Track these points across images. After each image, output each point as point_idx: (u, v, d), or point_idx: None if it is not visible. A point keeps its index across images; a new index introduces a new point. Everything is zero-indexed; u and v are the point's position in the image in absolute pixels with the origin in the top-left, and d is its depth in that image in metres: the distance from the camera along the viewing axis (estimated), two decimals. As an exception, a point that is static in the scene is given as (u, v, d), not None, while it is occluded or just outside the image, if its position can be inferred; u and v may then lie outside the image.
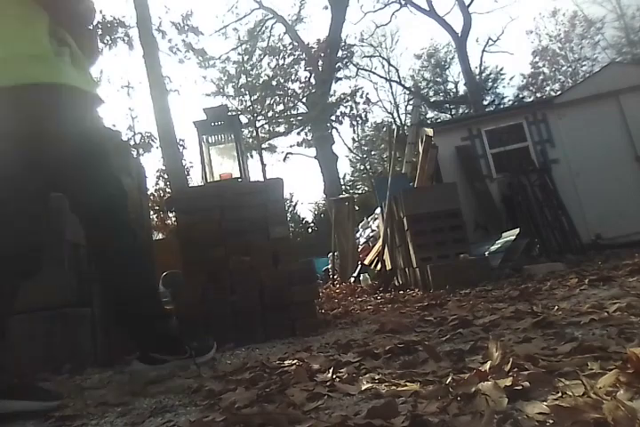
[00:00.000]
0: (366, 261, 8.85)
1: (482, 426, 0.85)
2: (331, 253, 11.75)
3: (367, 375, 1.36)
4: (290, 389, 1.32)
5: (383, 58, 27.23)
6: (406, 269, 5.67)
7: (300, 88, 20.11)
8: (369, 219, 14.29)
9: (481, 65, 26.89)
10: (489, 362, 1.17)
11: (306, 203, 47.10)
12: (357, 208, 15.81)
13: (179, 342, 1.87)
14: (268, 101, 20.36)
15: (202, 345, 1.95)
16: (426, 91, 30.00)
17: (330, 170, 16.92)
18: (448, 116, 26.55)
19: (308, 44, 19.87)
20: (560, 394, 0.94)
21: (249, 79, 20.53)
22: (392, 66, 27.79)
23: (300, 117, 20.04)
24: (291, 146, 20.69)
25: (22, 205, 1.65)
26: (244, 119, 18.94)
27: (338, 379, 1.37)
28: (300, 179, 55.31)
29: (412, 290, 5.02)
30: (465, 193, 6.96)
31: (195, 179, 17.00)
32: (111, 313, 2.13)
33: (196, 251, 2.91)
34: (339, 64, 19.79)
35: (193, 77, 45.74)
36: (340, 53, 19.54)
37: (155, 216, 15.60)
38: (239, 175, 3.85)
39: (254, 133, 20.55)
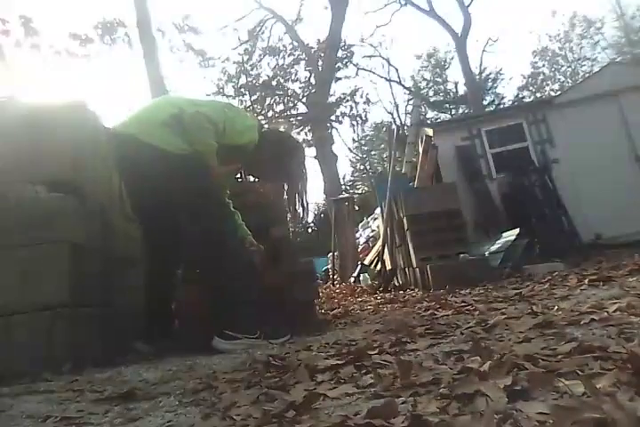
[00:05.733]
0: (366, 261, 8.86)
1: (482, 426, 0.85)
2: (331, 253, 11.76)
3: (367, 375, 1.36)
4: (290, 388, 1.32)
5: (383, 58, 27.19)
6: (406, 269, 5.67)
7: (299, 88, 20.09)
8: (369, 219, 14.30)
9: (481, 65, 26.91)
10: (489, 362, 1.17)
11: (306, 203, 47.01)
12: (357, 208, 15.80)
13: (252, 325, 2.32)
14: (267, 101, 20.32)
15: (275, 331, 2.38)
16: (426, 91, 30.01)
17: (330, 170, 16.87)
18: (448, 116, 26.56)
19: (308, 44, 19.86)
20: (560, 394, 0.94)
21: (249, 79, 20.50)
22: (392, 66, 27.77)
23: (300, 117, 20.01)
24: (291, 146, 20.63)
25: None
26: (244, 119, 18.88)
27: (338, 379, 1.37)
28: (299, 179, 55.11)
29: (411, 290, 5.02)
30: (465, 193, 6.97)
31: (194, 179, 16.93)
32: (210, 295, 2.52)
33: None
34: (339, 64, 19.76)
35: (193, 77, 45.79)
36: (340, 53, 19.51)
37: (155, 216, 15.53)
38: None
39: (254, 133, 20.51)
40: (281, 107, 20.51)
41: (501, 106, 24.86)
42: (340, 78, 20.37)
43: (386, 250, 6.63)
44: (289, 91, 20.20)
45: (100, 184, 2.78)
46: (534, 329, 1.65)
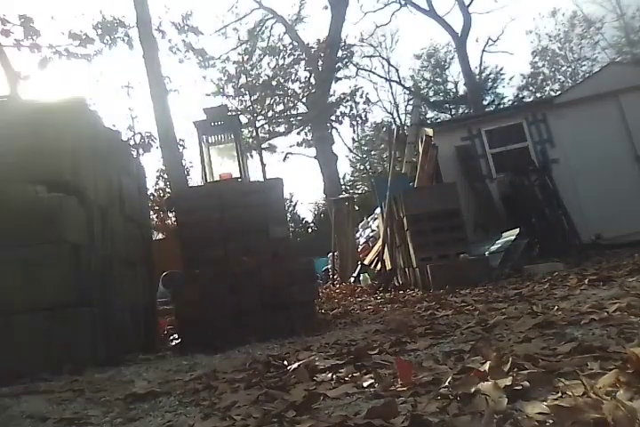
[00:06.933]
0: (366, 261, 8.86)
1: (482, 426, 0.85)
2: (331, 253, 11.75)
3: (367, 375, 1.36)
4: (290, 388, 1.32)
5: (383, 58, 27.15)
6: (406, 269, 5.67)
7: (299, 88, 20.07)
8: (369, 219, 14.30)
9: (481, 65, 26.83)
10: (488, 362, 1.17)
11: (306, 203, 47.04)
12: (357, 208, 15.79)
13: None
14: (268, 101, 20.31)
15: None
16: (426, 91, 29.97)
17: (330, 170, 16.88)
18: (448, 116, 26.52)
19: (308, 44, 19.84)
20: (560, 394, 0.94)
21: (249, 79, 20.48)
22: (392, 66, 27.70)
23: (300, 117, 20.00)
24: (291, 146, 20.66)
25: None
26: (243, 119, 18.90)
27: (338, 379, 1.37)
28: (300, 179, 55.29)
29: (411, 290, 5.02)
30: (465, 193, 6.96)
31: (195, 179, 16.99)
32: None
33: (195, 251, 2.91)
34: (339, 64, 19.74)
35: (193, 77, 45.79)
36: (340, 53, 19.49)
37: (155, 216, 15.59)
38: (239, 175, 3.85)
39: (254, 133, 20.51)
40: (281, 107, 20.52)
41: (501, 106, 24.81)
42: (339, 78, 20.36)
43: (386, 250, 6.63)
44: (289, 91, 20.19)
45: (100, 184, 2.78)
46: (534, 329, 1.65)
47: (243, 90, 20.31)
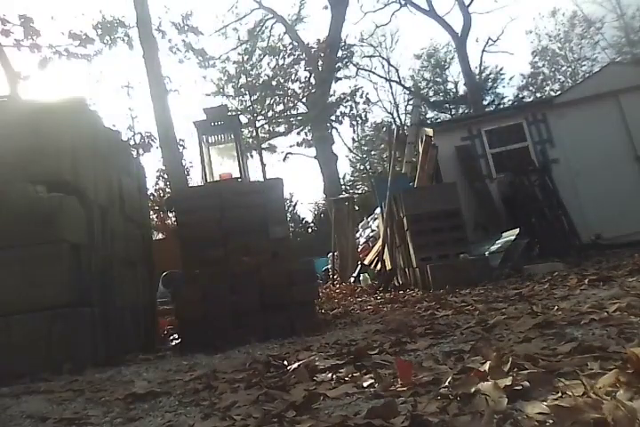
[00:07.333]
0: (366, 261, 8.86)
1: (482, 426, 0.85)
2: (331, 253, 11.76)
3: (367, 375, 1.36)
4: (290, 388, 1.32)
5: (383, 58, 27.17)
6: (406, 269, 5.67)
7: (299, 88, 20.06)
8: (369, 219, 14.30)
9: (481, 65, 26.83)
10: (488, 362, 1.17)
11: (306, 203, 47.03)
12: (357, 208, 15.80)
13: None
14: (268, 101, 20.32)
15: None
16: (426, 91, 29.98)
17: (330, 170, 16.88)
18: (448, 116, 26.52)
19: (308, 44, 19.82)
20: (560, 394, 0.94)
21: (249, 79, 20.47)
22: (392, 66, 27.72)
23: (300, 117, 19.99)
24: (291, 146, 20.65)
25: None
26: (243, 119, 18.89)
27: (338, 379, 1.37)
28: (300, 179, 55.28)
29: (411, 290, 5.02)
30: (465, 193, 6.95)
31: (195, 179, 16.99)
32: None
33: (195, 251, 2.91)
34: (339, 64, 19.74)
35: (193, 77, 45.82)
36: (339, 53, 19.49)
37: (155, 216, 15.61)
38: (239, 175, 3.85)
39: (254, 133, 20.50)
40: (281, 107, 20.51)
41: (501, 106, 24.81)
42: (340, 78, 20.36)
43: (386, 250, 6.63)
44: (289, 91, 20.19)
45: (100, 184, 2.78)
46: (534, 329, 1.65)
47: (243, 90, 20.31)
